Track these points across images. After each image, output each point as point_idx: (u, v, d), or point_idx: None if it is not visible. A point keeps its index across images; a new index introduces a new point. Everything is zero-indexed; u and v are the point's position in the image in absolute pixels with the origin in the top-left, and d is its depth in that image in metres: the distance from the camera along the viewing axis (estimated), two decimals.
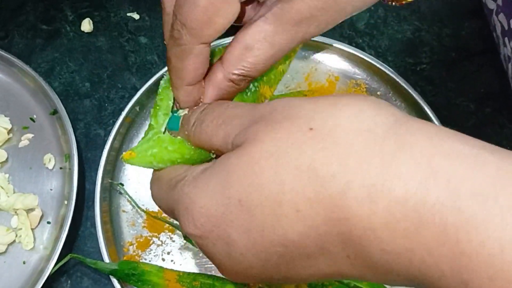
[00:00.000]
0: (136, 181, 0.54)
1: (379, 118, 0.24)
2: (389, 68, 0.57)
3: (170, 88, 0.34)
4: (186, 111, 0.32)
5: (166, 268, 0.48)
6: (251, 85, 0.35)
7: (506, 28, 0.56)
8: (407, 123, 0.24)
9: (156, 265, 0.48)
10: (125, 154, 0.33)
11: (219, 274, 0.48)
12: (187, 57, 0.31)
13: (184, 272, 0.48)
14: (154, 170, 0.34)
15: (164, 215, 0.52)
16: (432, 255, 0.21)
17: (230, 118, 0.28)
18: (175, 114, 0.33)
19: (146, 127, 0.56)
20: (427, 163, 0.21)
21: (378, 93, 0.58)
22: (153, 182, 0.33)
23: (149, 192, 0.52)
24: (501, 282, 0.19)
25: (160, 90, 0.35)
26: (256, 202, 0.24)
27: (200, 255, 0.51)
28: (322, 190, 0.22)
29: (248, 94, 0.35)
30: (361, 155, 0.22)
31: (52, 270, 0.48)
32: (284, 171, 0.23)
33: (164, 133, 0.33)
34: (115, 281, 0.48)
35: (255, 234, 0.24)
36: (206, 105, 0.31)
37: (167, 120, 0.34)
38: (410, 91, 0.56)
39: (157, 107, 0.35)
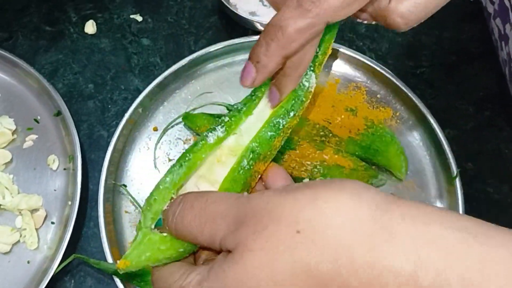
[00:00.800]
0: (139, 182, 0.55)
1: (361, 210, 0.25)
2: (389, 71, 0.58)
3: (168, 191, 0.35)
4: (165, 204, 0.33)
5: None
6: (245, 162, 0.36)
7: (503, 32, 0.57)
8: (389, 210, 0.25)
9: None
10: (120, 264, 0.33)
11: None
12: (308, 31, 0.32)
13: None
14: (153, 268, 0.34)
15: None
16: None
17: (213, 217, 0.29)
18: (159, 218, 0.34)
19: (148, 129, 0.58)
20: (415, 253, 0.23)
21: (378, 96, 0.59)
22: (154, 284, 0.34)
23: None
24: None
25: (156, 191, 0.35)
26: None
27: None
28: (325, 285, 0.25)
29: (241, 172, 0.36)
30: (351, 251, 0.24)
31: (56, 270, 0.49)
32: (282, 279, 0.25)
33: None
34: (118, 281, 0.48)
35: None
36: (181, 198, 0.32)
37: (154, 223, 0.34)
38: (409, 94, 0.57)
39: (148, 208, 0.35)
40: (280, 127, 0.38)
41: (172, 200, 0.34)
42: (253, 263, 0.26)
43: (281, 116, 0.38)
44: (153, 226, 0.34)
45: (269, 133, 0.38)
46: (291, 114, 0.39)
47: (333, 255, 0.24)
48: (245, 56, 0.60)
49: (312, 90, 0.40)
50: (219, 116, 0.55)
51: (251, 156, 0.37)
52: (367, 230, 0.24)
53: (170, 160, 0.56)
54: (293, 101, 0.39)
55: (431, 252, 0.23)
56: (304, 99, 0.39)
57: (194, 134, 0.57)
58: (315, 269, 0.25)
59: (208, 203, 0.30)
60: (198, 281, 0.29)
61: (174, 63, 0.57)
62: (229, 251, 0.28)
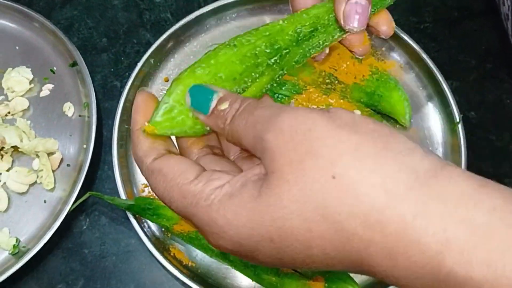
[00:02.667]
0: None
1: (400, 175, 0.24)
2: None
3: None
4: (225, 104, 0.30)
5: None
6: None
7: None
8: (426, 184, 0.24)
9: None
10: (147, 127, 0.30)
11: None
12: None
13: None
14: (151, 162, 0.30)
15: None
16: None
17: (258, 120, 0.28)
18: (207, 93, 0.30)
19: (159, 79, 0.60)
20: (444, 234, 0.23)
21: (383, 48, 0.60)
22: (153, 174, 0.30)
23: None
24: None
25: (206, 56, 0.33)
26: (287, 243, 0.26)
27: None
28: (348, 243, 0.25)
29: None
30: (382, 214, 0.24)
31: (71, 207, 0.51)
32: (312, 219, 0.25)
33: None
34: (131, 217, 0.50)
35: (285, 260, 0.27)
36: (239, 101, 0.30)
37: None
38: (413, 46, 0.58)
39: (191, 73, 0.31)
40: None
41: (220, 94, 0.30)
42: (287, 195, 0.25)
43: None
44: (189, 103, 0.30)
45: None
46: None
47: (363, 216, 0.24)
48: (251, 9, 0.62)
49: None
50: None
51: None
52: (400, 200, 0.24)
53: None
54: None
55: (458, 233, 0.23)
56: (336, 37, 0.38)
57: None
58: (344, 222, 0.24)
59: (257, 107, 0.29)
60: (228, 194, 0.27)
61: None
62: (263, 165, 0.28)
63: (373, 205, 0.24)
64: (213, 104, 0.30)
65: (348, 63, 0.57)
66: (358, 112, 0.28)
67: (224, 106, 0.30)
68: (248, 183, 0.27)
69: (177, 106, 0.30)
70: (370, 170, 0.24)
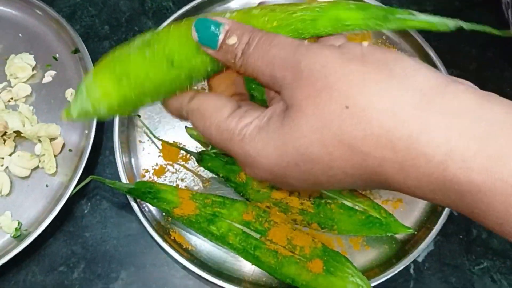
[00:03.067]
0: (152, 117, 0.57)
1: (405, 97, 0.27)
2: None
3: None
4: (233, 39, 0.30)
5: (181, 188, 0.51)
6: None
7: None
8: (432, 101, 0.26)
9: (171, 185, 0.51)
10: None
11: (230, 196, 0.51)
12: None
13: (197, 192, 0.51)
14: (187, 103, 0.32)
15: (179, 145, 0.55)
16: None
17: (273, 62, 0.30)
18: (213, 26, 0.30)
19: None
20: (447, 143, 0.26)
21: (384, 37, 0.61)
22: (193, 113, 0.33)
23: (164, 125, 0.56)
24: None
25: None
26: (310, 166, 0.29)
27: (211, 182, 0.54)
28: (364, 162, 0.28)
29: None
30: (391, 134, 0.27)
31: (73, 191, 0.51)
32: (331, 145, 0.28)
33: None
34: (132, 201, 0.51)
35: (311, 182, 0.30)
36: (248, 35, 0.30)
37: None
38: (414, 34, 0.59)
39: None
40: None
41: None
42: (306, 125, 0.28)
43: None
44: (196, 39, 0.30)
45: None
46: None
47: (375, 138, 0.27)
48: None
49: None
50: None
51: None
52: (407, 120, 0.26)
53: None
54: None
55: (459, 143, 0.25)
56: None
57: None
58: (359, 145, 0.27)
59: (271, 45, 0.30)
60: (257, 127, 0.30)
61: None
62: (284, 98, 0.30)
63: (383, 127, 0.27)
64: (221, 38, 0.30)
65: None
66: (366, 43, 0.29)
67: (233, 41, 0.30)
68: (273, 117, 0.30)
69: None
70: (378, 97, 0.27)
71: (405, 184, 0.28)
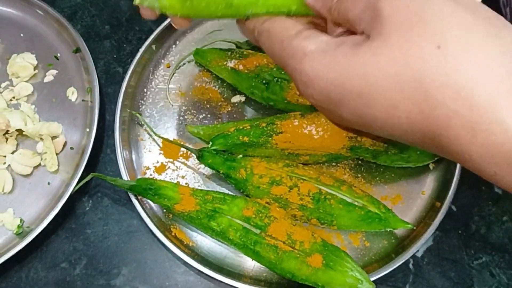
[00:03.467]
0: (153, 114, 0.58)
1: (504, 59, 0.25)
2: None
3: None
4: None
5: (181, 185, 0.52)
6: None
7: None
8: None
9: (172, 182, 0.52)
10: None
11: (230, 193, 0.52)
12: None
13: (197, 188, 0.51)
14: (260, 24, 0.34)
15: (179, 142, 0.56)
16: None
17: None
18: None
19: (161, 66, 0.61)
20: None
21: None
22: (262, 34, 0.34)
23: (165, 123, 0.56)
24: None
25: None
26: (374, 101, 0.28)
27: (211, 179, 0.55)
28: (434, 110, 0.26)
29: None
30: (474, 90, 0.25)
31: (74, 188, 0.52)
32: (406, 81, 0.26)
33: None
34: (133, 198, 0.51)
35: (367, 119, 0.29)
36: None
37: None
38: None
39: None
40: None
41: None
42: (387, 56, 0.26)
43: None
44: None
45: None
46: None
47: (456, 87, 0.25)
48: None
49: None
50: (228, 50, 0.58)
51: None
52: (496, 82, 0.25)
53: (182, 93, 0.59)
54: None
55: None
56: None
57: (205, 70, 0.59)
58: (436, 90, 0.26)
59: None
60: (322, 50, 0.29)
61: None
62: (364, 34, 0.28)
63: (469, 80, 0.25)
64: None
65: None
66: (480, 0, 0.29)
67: None
68: (344, 44, 0.29)
69: None
70: (477, 48, 0.25)
71: (468, 149, 0.26)
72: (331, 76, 0.29)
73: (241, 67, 0.56)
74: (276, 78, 0.55)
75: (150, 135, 0.57)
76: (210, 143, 0.51)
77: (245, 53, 0.57)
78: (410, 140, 0.29)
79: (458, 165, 0.52)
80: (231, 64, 0.56)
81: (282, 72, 0.55)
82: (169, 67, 0.60)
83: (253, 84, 0.55)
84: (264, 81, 0.55)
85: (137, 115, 0.57)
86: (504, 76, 0.25)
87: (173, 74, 0.60)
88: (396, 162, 0.52)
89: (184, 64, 0.60)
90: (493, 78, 0.25)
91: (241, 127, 0.51)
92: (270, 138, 0.50)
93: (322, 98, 0.30)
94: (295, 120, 0.49)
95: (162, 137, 0.56)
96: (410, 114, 0.27)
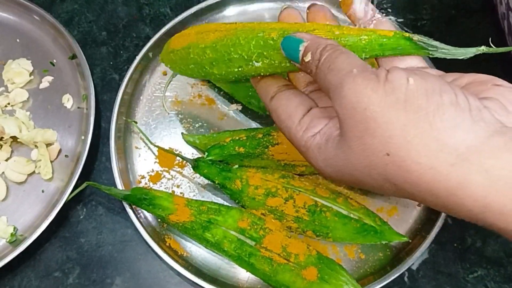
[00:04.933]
0: (149, 123, 0.58)
1: (442, 154, 0.28)
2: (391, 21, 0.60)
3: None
4: (308, 56, 0.33)
5: (176, 195, 0.51)
6: None
7: None
8: (467, 159, 0.28)
9: (167, 192, 0.51)
10: None
11: (225, 203, 0.51)
12: None
13: (192, 199, 0.51)
14: (269, 102, 0.38)
15: (175, 151, 0.56)
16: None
17: (329, 86, 0.32)
18: (294, 43, 0.34)
19: (157, 73, 0.60)
20: (483, 199, 0.28)
21: None
22: (272, 114, 0.37)
23: (161, 131, 0.56)
24: None
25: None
26: (363, 185, 0.33)
27: (206, 189, 0.54)
28: (408, 196, 0.31)
29: None
30: (430, 184, 0.29)
31: (69, 196, 0.51)
32: (378, 179, 0.31)
33: None
34: (127, 207, 0.51)
35: (377, 191, 0.33)
36: (319, 53, 0.33)
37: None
38: None
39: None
40: None
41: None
42: (356, 161, 0.31)
43: None
44: (283, 53, 0.35)
45: None
46: None
47: (415, 185, 0.29)
48: (252, 7, 0.63)
49: None
50: None
51: None
52: (444, 173, 0.28)
53: (178, 102, 0.58)
54: None
55: (496, 199, 0.27)
56: None
57: (199, 80, 0.59)
58: (403, 186, 0.30)
59: (329, 69, 0.32)
60: (317, 146, 0.34)
61: None
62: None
63: (422, 179, 0.29)
64: (300, 55, 0.34)
65: None
66: (412, 81, 0.30)
67: (308, 58, 0.34)
68: (329, 140, 0.33)
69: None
70: (416, 150, 0.28)
71: (450, 212, 0.30)
72: (329, 169, 0.33)
73: None
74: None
75: (146, 144, 0.56)
76: (206, 153, 0.51)
77: None
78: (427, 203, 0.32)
79: None
80: None
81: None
82: (165, 74, 0.60)
83: (250, 93, 0.55)
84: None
85: (133, 123, 0.56)
86: (448, 169, 0.28)
87: (169, 82, 0.59)
88: None
89: None
90: (441, 173, 0.28)
91: (237, 138, 0.50)
92: (266, 149, 0.50)
93: (335, 180, 0.37)
94: None
95: (157, 146, 0.55)
96: (394, 194, 0.32)
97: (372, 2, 0.39)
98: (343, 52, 0.33)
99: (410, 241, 0.51)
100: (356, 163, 0.31)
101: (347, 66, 0.31)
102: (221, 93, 0.58)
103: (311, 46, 0.34)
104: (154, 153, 0.56)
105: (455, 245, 0.53)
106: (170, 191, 0.54)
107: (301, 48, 0.34)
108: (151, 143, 0.56)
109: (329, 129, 0.33)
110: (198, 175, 0.54)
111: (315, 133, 0.34)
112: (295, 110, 0.36)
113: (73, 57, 0.59)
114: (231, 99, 0.58)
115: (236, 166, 0.52)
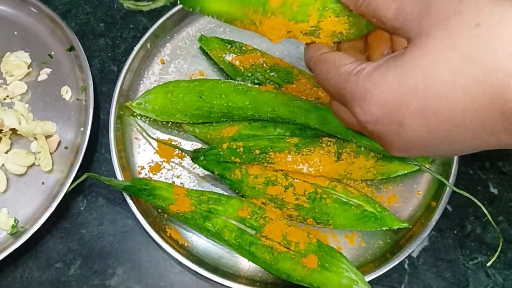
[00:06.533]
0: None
1: None
2: None
3: None
4: None
5: (176, 185, 0.51)
6: None
7: None
8: None
9: (166, 182, 0.51)
10: None
11: (225, 193, 0.52)
12: None
13: (192, 189, 0.51)
14: (318, 55, 0.36)
15: (174, 142, 0.56)
16: None
17: None
18: None
19: (156, 63, 0.60)
20: None
21: None
22: (319, 63, 0.36)
23: (159, 122, 0.56)
24: None
25: None
26: (431, 89, 0.28)
27: (206, 179, 0.54)
28: (489, 79, 0.26)
29: None
30: None
31: (69, 188, 0.51)
32: (457, 64, 0.27)
33: None
34: (128, 198, 0.51)
35: (428, 114, 0.29)
36: None
37: None
38: None
39: None
40: None
41: None
42: (433, 48, 0.28)
43: None
44: None
45: None
46: None
47: (506, 54, 0.26)
48: None
49: None
50: (229, 42, 0.57)
51: None
52: None
53: None
54: None
55: None
56: None
57: (198, 70, 0.59)
58: (488, 62, 0.26)
59: None
60: (374, 66, 0.31)
61: None
62: (408, 39, 0.30)
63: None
64: None
65: None
66: None
67: None
68: (391, 57, 0.30)
69: None
70: (511, 15, 0.26)
71: None
72: (388, 80, 0.30)
73: (237, 62, 0.56)
74: (268, 80, 0.55)
75: (144, 136, 0.56)
76: (202, 157, 0.51)
77: (243, 48, 0.57)
78: (479, 144, 0.30)
79: (454, 165, 0.52)
80: (229, 58, 0.56)
81: (275, 75, 0.55)
82: (163, 63, 0.60)
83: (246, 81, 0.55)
84: (256, 81, 0.55)
85: (131, 116, 0.56)
86: None
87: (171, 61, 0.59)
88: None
89: (179, 61, 0.60)
90: None
91: (234, 147, 0.50)
92: (261, 165, 0.50)
93: (383, 110, 0.30)
94: (289, 156, 0.49)
95: (155, 139, 0.55)
96: (470, 91, 0.27)
97: None
98: None
99: (410, 227, 0.51)
100: (433, 52, 0.28)
101: None
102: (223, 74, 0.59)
103: None
104: (153, 145, 0.56)
105: (455, 232, 0.53)
106: (170, 182, 0.54)
107: None
108: (149, 136, 0.55)
109: (387, 56, 0.31)
110: (197, 165, 0.54)
111: (368, 65, 0.32)
112: (347, 56, 0.34)
113: (71, 49, 0.59)
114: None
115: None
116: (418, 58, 0.28)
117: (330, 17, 0.35)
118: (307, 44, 0.38)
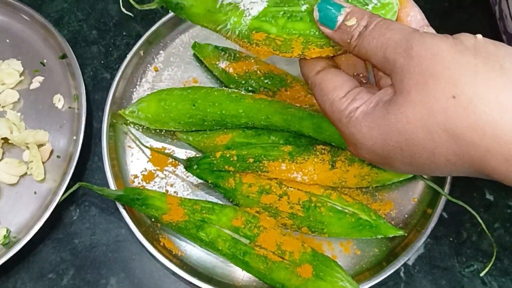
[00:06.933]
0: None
1: None
2: None
3: None
4: (352, 20, 0.33)
5: (169, 194, 0.51)
6: None
7: None
8: None
9: (160, 191, 0.51)
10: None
11: (219, 201, 0.51)
12: None
13: (185, 198, 0.51)
14: (313, 75, 0.37)
15: (167, 150, 0.55)
16: None
17: (388, 45, 0.32)
18: (334, 8, 0.33)
19: (150, 72, 0.60)
20: None
21: None
22: (315, 87, 0.37)
23: (153, 130, 0.55)
24: None
25: None
26: (414, 151, 0.31)
27: (200, 187, 0.54)
28: (467, 152, 0.29)
29: None
30: (497, 126, 0.28)
31: (61, 197, 0.51)
32: (435, 132, 0.29)
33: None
34: (121, 208, 0.50)
35: (415, 167, 0.33)
36: (367, 18, 0.33)
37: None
38: None
39: None
40: None
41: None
42: (412, 112, 0.30)
43: None
44: (317, 17, 0.34)
45: None
46: None
47: (480, 128, 0.28)
48: None
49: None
50: (223, 49, 0.57)
51: None
52: (508, 118, 0.27)
53: None
54: None
55: None
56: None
57: (192, 77, 0.59)
58: (463, 134, 0.28)
59: (388, 29, 0.32)
60: (363, 113, 0.33)
61: None
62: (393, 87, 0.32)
63: (489, 119, 0.28)
64: (340, 19, 0.33)
65: None
66: (480, 36, 0.31)
67: (352, 22, 0.33)
68: (379, 103, 0.32)
69: None
70: (486, 89, 0.28)
71: (508, 176, 0.29)
72: (374, 135, 0.32)
73: (231, 70, 0.56)
74: (262, 88, 0.54)
75: (137, 145, 0.56)
76: (195, 166, 0.51)
77: (237, 55, 0.56)
78: (462, 174, 0.32)
79: None
80: (222, 65, 0.56)
81: (269, 82, 0.55)
82: (157, 70, 0.59)
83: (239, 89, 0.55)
84: (250, 88, 0.54)
85: (124, 124, 0.56)
86: None
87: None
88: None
89: (173, 69, 0.60)
90: (509, 112, 0.27)
91: (227, 155, 0.50)
92: (255, 174, 0.50)
93: (372, 156, 0.34)
94: (283, 164, 0.49)
95: (148, 147, 0.55)
96: (448, 157, 0.30)
97: None
98: (396, 21, 0.33)
99: (406, 235, 0.51)
100: (411, 116, 0.30)
101: (409, 27, 0.32)
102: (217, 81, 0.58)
103: (355, 12, 0.33)
104: (146, 153, 0.56)
105: (451, 239, 0.53)
106: (164, 190, 0.53)
107: (343, 12, 0.33)
108: (142, 144, 0.55)
109: (377, 97, 0.33)
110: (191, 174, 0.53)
111: (361, 104, 0.33)
112: (341, 83, 0.35)
113: (64, 56, 0.58)
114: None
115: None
116: (400, 121, 0.31)
117: (314, 49, 0.36)
118: (300, 60, 0.38)
